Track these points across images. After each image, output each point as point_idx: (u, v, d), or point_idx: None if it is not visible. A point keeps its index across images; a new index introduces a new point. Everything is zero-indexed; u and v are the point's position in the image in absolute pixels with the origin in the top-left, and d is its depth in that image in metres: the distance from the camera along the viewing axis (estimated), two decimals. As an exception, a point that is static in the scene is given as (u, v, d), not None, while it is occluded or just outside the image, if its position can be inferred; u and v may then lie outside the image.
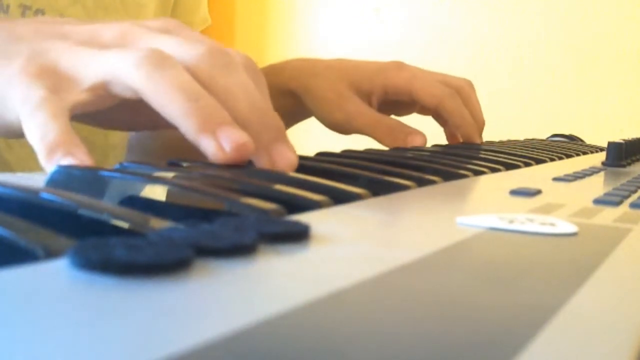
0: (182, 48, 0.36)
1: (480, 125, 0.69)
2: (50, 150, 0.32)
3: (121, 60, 0.35)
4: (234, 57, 0.38)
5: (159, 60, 0.35)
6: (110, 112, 0.41)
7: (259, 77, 0.39)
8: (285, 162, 0.35)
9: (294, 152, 0.36)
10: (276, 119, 0.37)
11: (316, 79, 0.68)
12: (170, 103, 0.34)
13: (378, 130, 0.64)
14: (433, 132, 0.71)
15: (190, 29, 0.40)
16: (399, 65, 0.68)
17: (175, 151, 0.47)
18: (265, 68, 0.73)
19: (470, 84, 0.70)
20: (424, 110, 0.70)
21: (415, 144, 0.61)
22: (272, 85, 0.71)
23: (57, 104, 0.34)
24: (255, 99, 0.36)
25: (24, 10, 0.60)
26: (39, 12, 0.61)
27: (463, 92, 0.68)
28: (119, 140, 0.72)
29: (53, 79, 0.35)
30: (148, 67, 0.34)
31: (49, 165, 0.31)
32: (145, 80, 0.34)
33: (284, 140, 0.36)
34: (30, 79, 0.35)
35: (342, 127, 0.67)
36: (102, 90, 0.36)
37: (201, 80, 0.35)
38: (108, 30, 0.39)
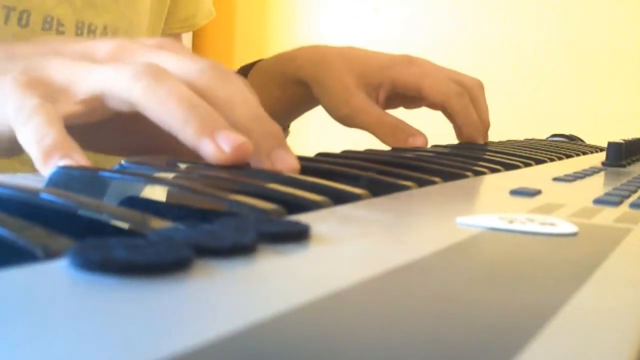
0: (179, 63, 0.37)
1: (485, 126, 0.68)
2: (47, 153, 0.32)
3: (118, 74, 0.36)
4: (228, 71, 0.38)
5: (156, 73, 0.35)
6: (104, 136, 0.41)
7: (251, 91, 0.40)
8: (286, 168, 0.36)
9: (295, 157, 0.36)
10: (275, 127, 0.37)
11: (325, 68, 0.67)
12: (168, 112, 0.34)
13: (380, 129, 0.64)
14: (433, 132, 0.71)
15: (186, 48, 0.41)
16: (410, 60, 0.68)
17: None
18: (276, 57, 0.73)
19: (480, 85, 0.69)
20: (433, 105, 0.69)
21: (416, 145, 0.61)
22: (283, 74, 0.71)
23: (52, 110, 0.34)
24: (254, 107, 0.37)
25: (8, 11, 0.60)
26: (24, 12, 0.61)
27: (472, 92, 0.67)
28: None
29: (46, 90, 0.36)
30: (145, 80, 0.35)
31: (46, 169, 0.31)
32: (143, 92, 0.34)
33: (284, 146, 0.36)
34: (23, 89, 0.35)
35: (346, 121, 0.67)
36: (96, 103, 0.36)
37: (199, 92, 0.36)
38: (103, 46, 0.39)
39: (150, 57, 0.37)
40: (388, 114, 0.66)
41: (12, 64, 0.38)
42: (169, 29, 0.80)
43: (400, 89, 0.67)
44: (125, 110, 0.36)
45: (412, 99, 0.70)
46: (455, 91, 0.65)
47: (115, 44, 0.39)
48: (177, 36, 0.83)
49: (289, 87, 0.70)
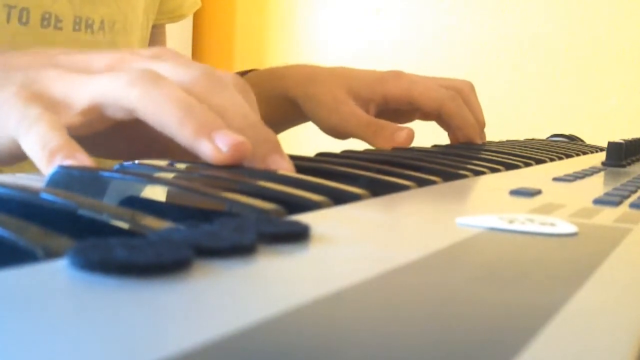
0: (176, 71, 0.37)
1: (481, 126, 0.69)
2: (52, 154, 0.33)
3: (114, 81, 0.36)
4: (225, 78, 0.38)
5: (152, 78, 0.35)
6: (104, 142, 0.41)
7: (249, 95, 0.40)
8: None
9: (290, 162, 0.36)
10: (270, 133, 0.37)
11: (316, 86, 0.68)
12: (165, 114, 0.34)
13: (367, 131, 0.64)
14: (433, 132, 0.71)
15: (183, 56, 0.41)
16: (398, 74, 0.68)
17: None
18: (266, 72, 0.73)
19: (470, 85, 0.70)
20: (425, 116, 0.70)
21: (401, 140, 0.61)
22: (272, 90, 0.71)
23: (54, 118, 0.35)
24: (249, 115, 0.37)
25: (9, 9, 0.60)
26: (24, 10, 0.61)
27: (463, 93, 0.68)
28: None
29: (46, 103, 0.36)
30: (142, 85, 0.35)
31: (50, 168, 0.31)
32: (139, 97, 0.35)
33: (280, 152, 0.36)
34: (24, 102, 0.36)
35: (337, 131, 0.67)
36: (94, 114, 0.37)
37: (196, 98, 0.36)
38: (101, 58, 0.40)
39: (147, 66, 0.37)
40: (376, 119, 0.66)
41: (8, 75, 0.38)
42: (156, 21, 0.80)
43: (392, 103, 0.67)
44: (123, 117, 0.36)
45: (403, 113, 0.70)
46: (448, 95, 0.66)
47: (113, 56, 0.39)
48: (162, 27, 0.84)
49: (276, 103, 0.70)
